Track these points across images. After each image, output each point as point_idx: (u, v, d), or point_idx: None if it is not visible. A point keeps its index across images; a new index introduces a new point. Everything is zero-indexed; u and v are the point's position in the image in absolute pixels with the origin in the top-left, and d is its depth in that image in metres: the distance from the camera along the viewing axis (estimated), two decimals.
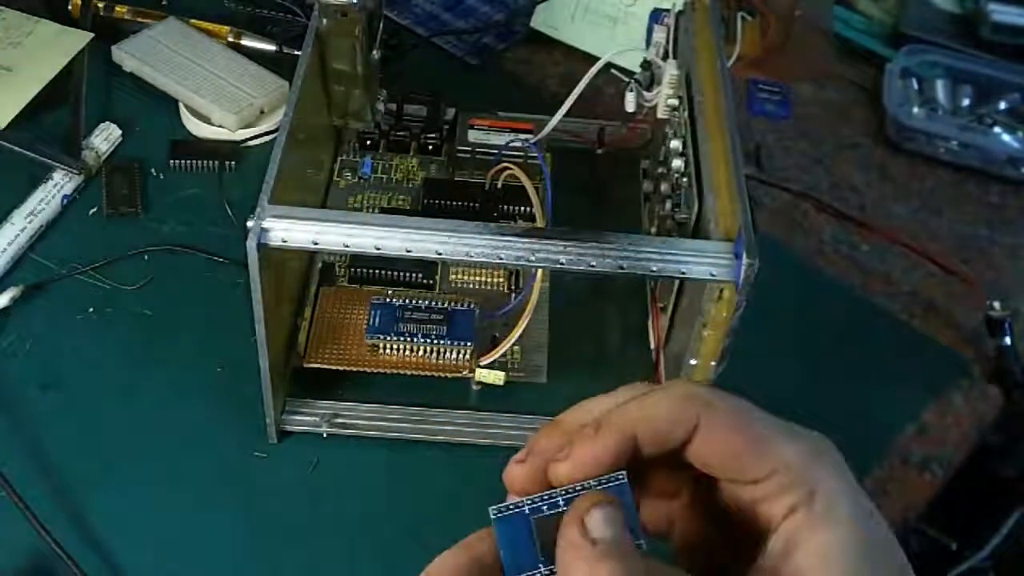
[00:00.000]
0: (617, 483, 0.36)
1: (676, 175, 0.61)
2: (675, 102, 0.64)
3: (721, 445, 0.37)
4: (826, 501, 0.36)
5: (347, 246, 0.51)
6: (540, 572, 0.35)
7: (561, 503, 0.36)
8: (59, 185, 0.71)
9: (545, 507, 0.36)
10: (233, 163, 0.75)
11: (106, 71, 0.80)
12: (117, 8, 0.84)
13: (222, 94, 0.77)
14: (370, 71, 0.68)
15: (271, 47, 0.82)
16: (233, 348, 0.61)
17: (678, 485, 0.40)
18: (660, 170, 0.66)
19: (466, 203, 0.70)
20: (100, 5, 0.84)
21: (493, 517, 0.36)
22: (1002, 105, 0.86)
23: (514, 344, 0.62)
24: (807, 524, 0.36)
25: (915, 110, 0.85)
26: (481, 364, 0.62)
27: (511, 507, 0.36)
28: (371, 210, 0.71)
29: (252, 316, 0.53)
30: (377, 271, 0.66)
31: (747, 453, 0.37)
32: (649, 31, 0.68)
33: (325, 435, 0.60)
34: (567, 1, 0.89)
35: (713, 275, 0.51)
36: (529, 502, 0.36)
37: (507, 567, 0.35)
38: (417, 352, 0.62)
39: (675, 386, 0.38)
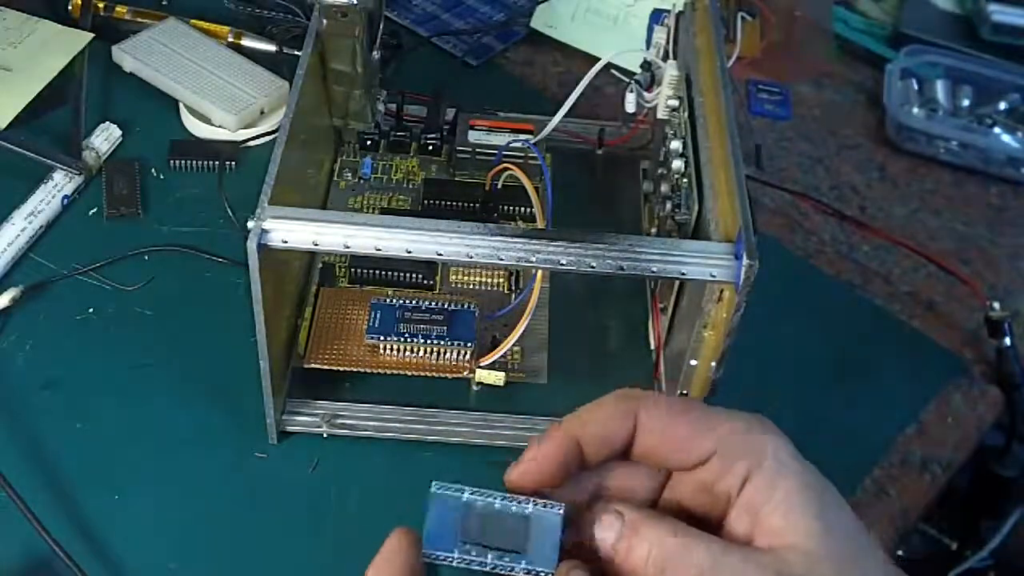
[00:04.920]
0: (552, 509, 0.39)
1: (676, 176, 0.61)
2: (675, 103, 0.64)
3: (660, 433, 0.39)
4: (775, 459, 0.38)
5: (347, 246, 0.51)
6: (453, 557, 0.38)
7: (496, 505, 0.38)
8: (59, 185, 0.71)
9: (480, 502, 0.39)
10: (233, 163, 0.75)
11: (106, 71, 0.80)
12: (117, 8, 0.84)
13: (222, 94, 0.77)
14: (370, 71, 0.68)
15: (271, 47, 0.82)
16: (233, 348, 0.61)
17: (656, 487, 0.41)
18: (660, 171, 0.66)
19: (466, 203, 0.70)
20: (100, 5, 0.84)
21: (433, 491, 0.39)
22: (1002, 105, 0.86)
23: (514, 345, 0.62)
24: (764, 484, 0.38)
25: (915, 110, 0.85)
26: (481, 365, 0.62)
27: (452, 489, 0.39)
28: (371, 210, 0.71)
29: (252, 316, 0.53)
30: (377, 271, 0.66)
31: (687, 436, 0.39)
32: (649, 31, 0.68)
33: (325, 435, 0.60)
34: (567, 1, 0.89)
35: (713, 276, 0.51)
36: (470, 491, 0.39)
37: (427, 539, 0.38)
38: (417, 352, 0.62)
39: (612, 393, 0.41)
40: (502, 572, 0.38)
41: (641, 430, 0.39)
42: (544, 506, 0.38)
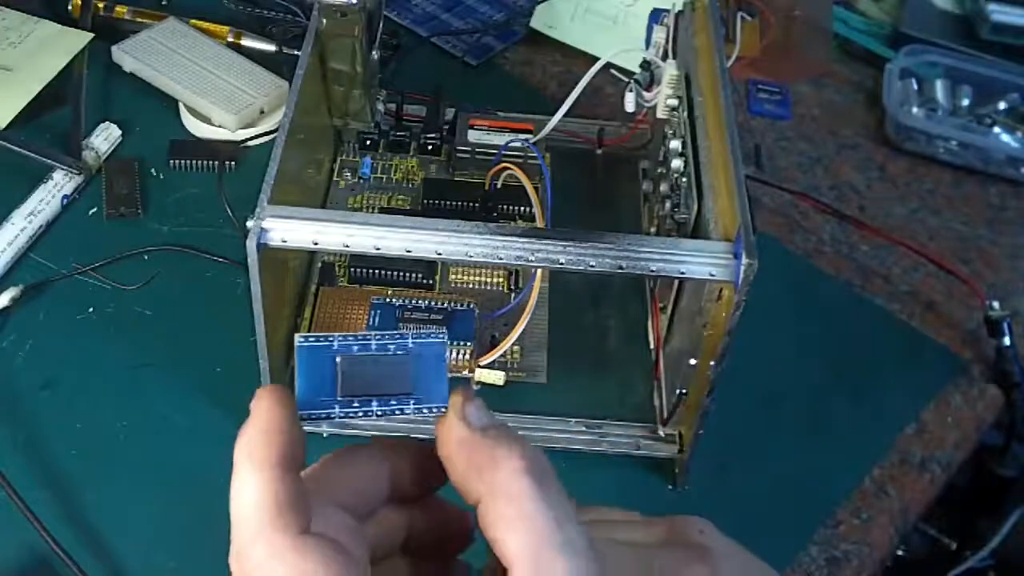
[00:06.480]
0: (435, 339, 0.34)
1: (675, 175, 0.61)
2: (675, 102, 0.64)
3: None
4: None
5: (347, 246, 0.51)
6: (335, 413, 0.34)
7: (373, 346, 0.34)
8: (59, 185, 0.71)
9: (354, 347, 0.34)
10: (233, 163, 0.75)
11: (106, 71, 0.80)
12: (117, 8, 0.84)
13: (222, 94, 0.77)
14: (370, 71, 0.68)
15: (271, 47, 0.82)
16: (233, 348, 0.61)
17: None
18: (659, 170, 0.66)
19: (466, 203, 0.70)
20: (100, 5, 0.84)
21: (297, 344, 0.33)
22: (1002, 105, 0.86)
23: (514, 344, 0.62)
24: None
25: (915, 110, 0.85)
26: (481, 364, 0.62)
27: (319, 338, 0.34)
28: (371, 210, 0.71)
29: (252, 316, 0.53)
30: (377, 271, 0.66)
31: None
32: (649, 31, 0.68)
33: (325, 435, 0.60)
34: (567, 1, 0.89)
35: (712, 275, 0.51)
36: (340, 338, 0.34)
37: (301, 400, 0.34)
38: None
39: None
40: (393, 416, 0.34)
41: None
42: (425, 337, 0.34)
